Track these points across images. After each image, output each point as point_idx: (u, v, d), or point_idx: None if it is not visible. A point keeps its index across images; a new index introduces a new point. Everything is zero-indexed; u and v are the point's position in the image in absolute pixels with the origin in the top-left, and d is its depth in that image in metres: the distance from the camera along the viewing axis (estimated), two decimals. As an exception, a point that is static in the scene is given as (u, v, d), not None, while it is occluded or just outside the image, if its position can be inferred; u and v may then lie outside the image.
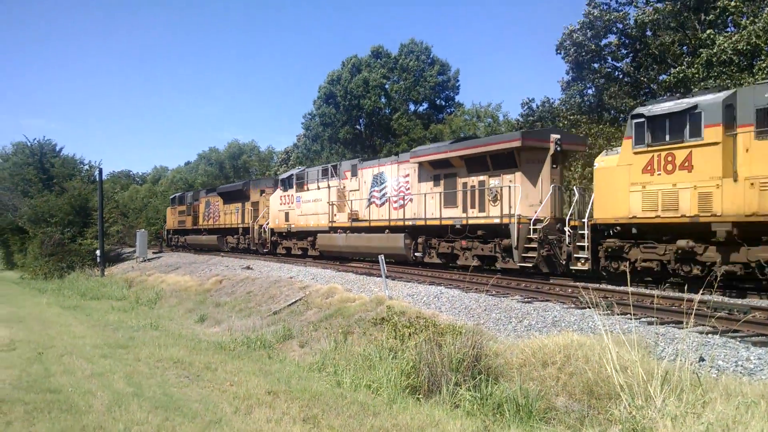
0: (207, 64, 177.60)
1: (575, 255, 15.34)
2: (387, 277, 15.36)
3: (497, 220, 17.01)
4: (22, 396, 7.96)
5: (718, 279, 12.07)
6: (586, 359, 7.78)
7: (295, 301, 16.29)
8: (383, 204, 22.08)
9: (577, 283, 13.70)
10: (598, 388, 7.29)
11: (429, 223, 19.59)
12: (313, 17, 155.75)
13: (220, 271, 24.90)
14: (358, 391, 8.76)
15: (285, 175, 29.44)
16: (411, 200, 20.75)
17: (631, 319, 10.10)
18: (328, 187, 24.98)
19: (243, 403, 7.89)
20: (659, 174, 13.28)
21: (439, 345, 8.97)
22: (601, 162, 14.89)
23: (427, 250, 20.00)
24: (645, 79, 27.14)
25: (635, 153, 13.73)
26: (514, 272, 16.55)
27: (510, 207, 16.74)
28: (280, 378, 9.47)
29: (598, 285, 13.60)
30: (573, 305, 11.54)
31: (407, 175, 20.96)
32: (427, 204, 19.91)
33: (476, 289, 14.36)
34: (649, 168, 13.49)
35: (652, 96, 26.99)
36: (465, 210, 18.46)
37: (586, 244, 14.88)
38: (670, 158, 13.09)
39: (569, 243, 15.62)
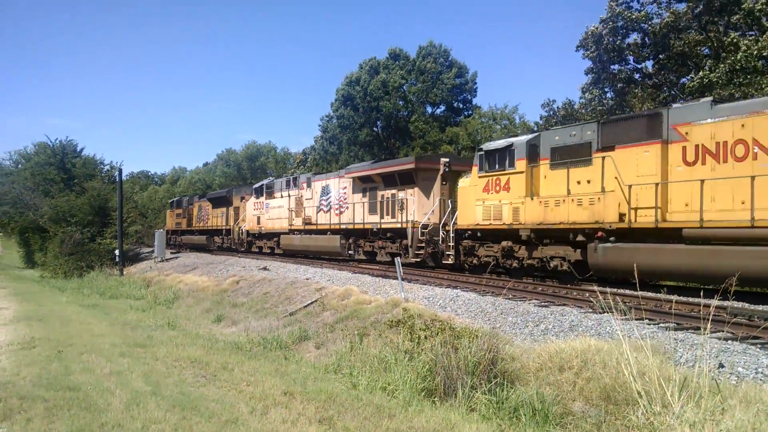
0: (226, 65, 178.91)
1: (446, 252, 19.69)
2: (403, 279, 15.36)
3: (399, 225, 21.95)
4: (42, 393, 8.06)
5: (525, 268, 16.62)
6: (604, 364, 7.72)
7: (311, 303, 16.34)
8: (328, 211, 26.99)
9: (594, 287, 13.58)
10: (615, 394, 7.23)
11: (357, 227, 24.55)
12: (331, 19, 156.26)
13: (237, 271, 25.04)
14: (374, 393, 8.77)
15: (258, 185, 34.44)
16: (347, 208, 25.52)
17: (649, 324, 10.03)
18: (289, 196, 30.12)
19: (259, 404, 7.93)
20: (492, 193, 17.93)
21: (455, 348, 8.94)
22: (462, 182, 19.44)
23: (357, 249, 24.87)
24: (667, 82, 26.88)
25: (479, 177, 18.31)
26: (418, 266, 20.59)
27: (409, 215, 21.48)
28: (296, 379, 9.50)
29: (616, 290, 13.49)
30: (590, 310, 11.46)
31: (345, 188, 25.80)
32: (356, 211, 24.83)
33: (492, 292, 14.32)
34: (486, 188, 18.11)
35: (674, 99, 26.73)
36: (382, 216, 23.31)
37: (451, 243, 19.42)
38: (497, 182, 17.77)
39: (442, 242, 20.14)
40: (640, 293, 11.17)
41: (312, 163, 53.64)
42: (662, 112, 13.75)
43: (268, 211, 32.17)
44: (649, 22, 26.23)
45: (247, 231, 34.78)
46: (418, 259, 20.93)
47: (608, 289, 13.43)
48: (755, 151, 11.91)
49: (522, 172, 16.91)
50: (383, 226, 22.95)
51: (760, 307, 10.90)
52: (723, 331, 8.71)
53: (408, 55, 48.13)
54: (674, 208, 13.31)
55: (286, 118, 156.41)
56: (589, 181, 15.10)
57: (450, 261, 19.46)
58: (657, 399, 6.07)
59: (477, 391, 8.18)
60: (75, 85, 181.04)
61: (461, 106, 48.91)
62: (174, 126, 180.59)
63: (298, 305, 16.63)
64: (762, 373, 7.27)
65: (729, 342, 8.50)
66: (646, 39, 26.83)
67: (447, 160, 21.47)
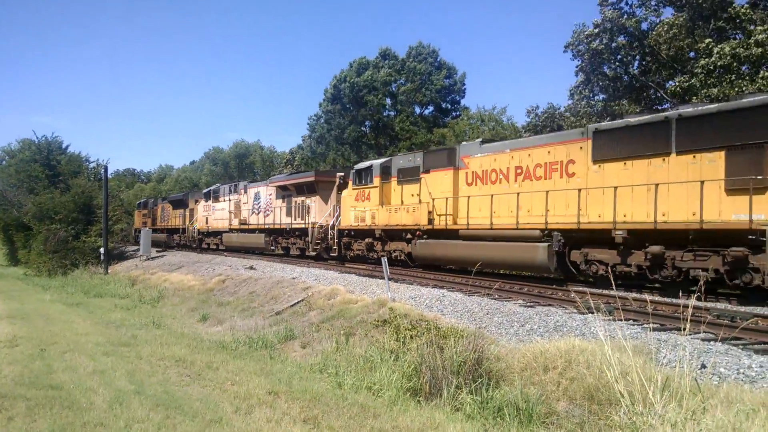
0: (214, 64, 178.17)
1: (333, 247, 25.42)
2: (390, 279, 15.37)
3: (304, 225, 27.29)
4: (24, 392, 7.99)
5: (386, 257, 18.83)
6: (588, 364, 7.77)
7: (298, 302, 16.31)
8: (258, 213, 32.15)
9: (582, 288, 13.68)
10: (599, 394, 7.28)
11: (277, 227, 29.92)
12: (321, 19, 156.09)
13: (223, 270, 24.94)
14: (359, 393, 8.77)
15: (206, 190, 39.85)
16: (271, 211, 30.75)
17: (633, 324, 10.11)
18: (230, 200, 35.23)
19: (244, 403, 7.91)
20: (360, 202, 23.26)
21: (441, 348, 8.95)
22: (344, 193, 24.88)
23: (276, 245, 30.40)
24: (653, 85, 27.09)
25: (353, 189, 23.80)
26: (315, 258, 24.02)
27: (311, 217, 26.86)
28: (281, 378, 9.48)
29: (600, 291, 13.58)
30: (575, 310, 11.52)
31: (270, 194, 30.85)
32: (277, 214, 30.08)
33: (479, 292, 14.36)
34: (357, 198, 23.50)
35: (659, 102, 26.95)
36: (294, 218, 28.47)
37: (336, 240, 25.10)
38: (363, 193, 23.12)
39: (330, 239, 25.48)
40: (616, 292, 11.26)
41: (299, 162, 53.53)
42: (456, 147, 19.54)
43: (214, 213, 37.47)
44: (638, 26, 26.43)
45: (198, 230, 39.72)
46: (315, 253, 26.58)
47: (593, 290, 13.53)
48: (500, 177, 17.67)
49: (377, 187, 22.35)
50: (294, 226, 28.44)
51: (743, 309, 11.03)
52: (705, 332, 8.81)
53: (397, 55, 48.19)
54: (460, 215, 18.80)
55: (275, 117, 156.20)
56: (413, 195, 20.69)
57: (334, 254, 25.68)
58: (639, 399, 6.11)
59: (462, 391, 8.20)
60: (61, 83, 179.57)
61: (449, 107, 49.03)
62: (161, 124, 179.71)
63: (284, 304, 16.58)
64: (743, 373, 7.35)
65: (711, 343, 8.59)
66: (633, 41, 27.04)
67: (342, 174, 26.87)
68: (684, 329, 7.09)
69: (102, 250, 33.83)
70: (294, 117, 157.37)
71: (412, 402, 8.34)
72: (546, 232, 15.81)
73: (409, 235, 20.56)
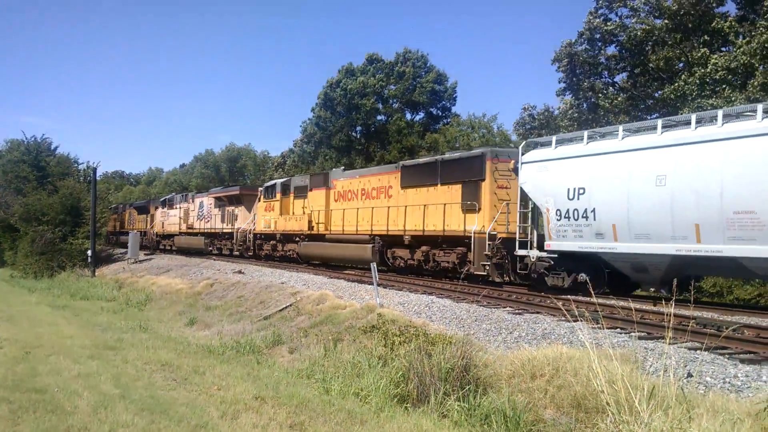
0: (204, 67, 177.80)
1: (251, 247, 30.70)
2: (379, 285, 15.35)
3: (232, 230, 33.27)
4: (7, 395, 7.90)
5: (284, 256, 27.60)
6: (575, 372, 7.79)
7: (286, 307, 16.26)
8: (201, 219, 37.71)
9: (569, 296, 13.71)
10: (585, 402, 7.29)
11: (213, 231, 35.91)
12: (311, 26, 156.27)
13: (211, 274, 24.84)
14: (346, 399, 8.74)
15: (163, 198, 45.67)
16: (210, 218, 36.31)
17: (620, 333, 10.15)
18: (181, 207, 40.59)
19: (230, 408, 7.86)
20: (267, 212, 29.25)
21: (429, 354, 8.94)
22: (257, 204, 30.73)
23: (213, 246, 35.83)
24: (642, 95, 27.29)
25: (263, 201, 29.80)
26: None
27: (237, 223, 32.78)
28: (268, 383, 9.43)
29: (588, 299, 13.60)
30: (563, 318, 11.54)
31: (210, 204, 36.49)
32: (214, 220, 35.79)
33: (467, 299, 14.37)
34: (265, 209, 29.48)
35: (648, 112, 27.14)
36: (226, 224, 34.25)
37: (253, 242, 30.70)
38: (269, 205, 29.19)
39: (248, 242, 31.07)
40: (603, 301, 11.30)
41: (291, 166, 53.43)
42: (329, 172, 26.25)
43: (169, 218, 42.56)
44: (625, 31, 26.59)
45: (157, 233, 44.94)
46: (238, 253, 32.35)
47: (580, 298, 13.57)
48: (352, 196, 23.43)
49: (278, 201, 28.38)
50: (225, 230, 34.49)
51: (729, 318, 11.10)
52: (692, 341, 8.84)
53: (385, 60, 48.21)
54: (328, 224, 24.65)
55: (266, 121, 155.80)
56: (303, 207, 26.51)
57: (251, 253, 30.69)
58: (626, 407, 6.13)
59: (450, 398, 8.19)
60: (51, 84, 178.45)
61: (440, 113, 49.11)
62: (151, 127, 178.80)
63: (272, 309, 16.53)
64: (729, 382, 7.39)
65: (697, 352, 8.62)
66: (623, 51, 27.24)
67: (262, 188, 31.07)
68: (668, 338, 7.12)
69: (89, 252, 33.60)
70: (285, 121, 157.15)
71: (400, 408, 8.31)
72: (372, 236, 21.58)
73: (297, 239, 26.52)
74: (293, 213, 27.18)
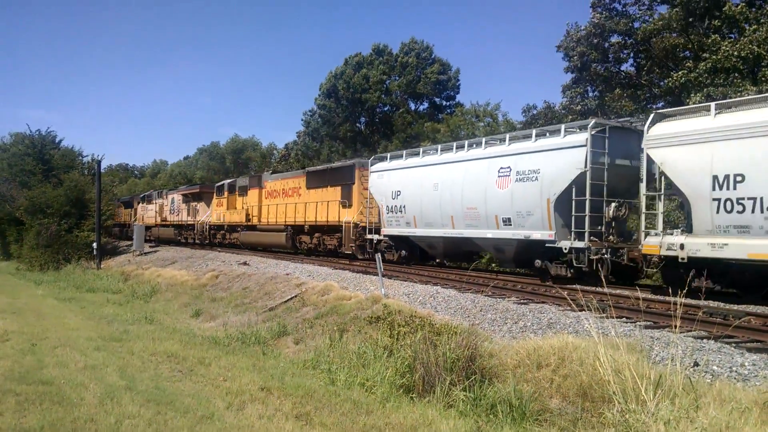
0: (209, 59, 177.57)
1: (207, 236, 36.80)
2: (383, 276, 15.34)
3: (194, 222, 38.90)
4: (14, 387, 7.93)
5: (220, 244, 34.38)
6: (581, 362, 7.76)
7: (291, 298, 16.26)
8: (172, 213, 42.98)
9: (575, 285, 13.68)
10: (592, 391, 7.27)
11: (181, 223, 41.14)
12: (315, 15, 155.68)
13: (216, 266, 24.87)
14: (352, 389, 8.74)
15: (142, 195, 51.22)
16: (180, 212, 41.44)
17: (626, 322, 10.11)
18: (156, 203, 46.04)
19: (236, 399, 7.87)
20: (219, 207, 35.09)
21: (434, 344, 8.93)
22: (213, 200, 36.46)
23: (181, 236, 40.66)
24: (646, 83, 27.09)
25: (216, 198, 35.78)
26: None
27: (199, 216, 38.32)
28: (273, 374, 9.44)
29: (594, 288, 13.58)
30: (569, 308, 11.50)
31: (180, 199, 41.53)
32: (182, 214, 41.02)
33: (472, 289, 14.35)
34: (217, 204, 35.39)
35: (654, 100, 26.94)
36: (190, 217, 39.79)
37: (208, 232, 36.79)
38: (221, 202, 34.97)
39: (205, 231, 37.14)
40: (607, 290, 11.26)
41: (294, 158, 53.39)
42: (262, 175, 32.63)
43: (147, 212, 47.85)
44: (632, 25, 26.40)
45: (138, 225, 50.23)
46: (199, 241, 37.84)
47: (586, 288, 13.53)
48: (277, 194, 29.59)
49: (226, 198, 34.47)
50: (189, 222, 39.95)
51: (735, 307, 11.05)
52: (698, 330, 8.80)
53: (391, 51, 48.09)
54: (260, 216, 31.08)
55: (269, 113, 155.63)
56: (243, 203, 32.55)
57: (207, 241, 36.79)
58: (632, 396, 6.11)
59: (455, 388, 8.17)
60: (55, 77, 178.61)
61: (444, 103, 48.98)
62: (155, 119, 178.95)
63: (277, 300, 16.54)
64: (736, 371, 7.35)
65: (704, 341, 8.59)
66: (627, 39, 27.01)
67: (225, 182, 36.20)
68: (676, 327, 7.08)
69: (95, 244, 33.68)
70: (289, 112, 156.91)
71: (405, 398, 8.31)
72: (286, 226, 28.14)
73: (239, 229, 32.84)
74: (236, 208, 33.52)
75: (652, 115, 13.56)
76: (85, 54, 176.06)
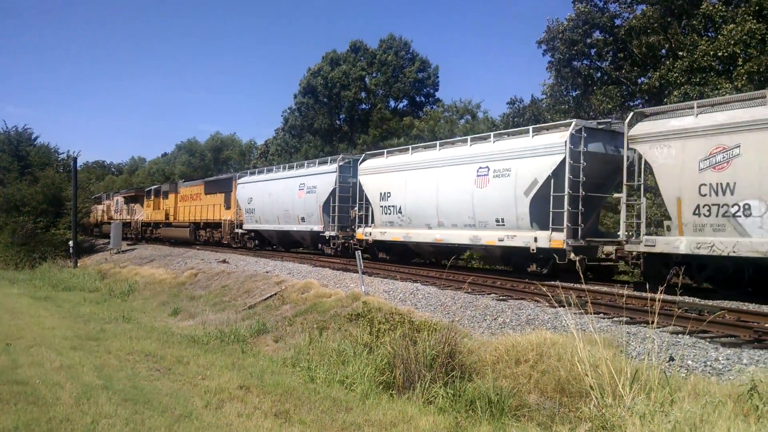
0: (186, 55, 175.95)
1: (140, 232, 43.32)
2: (364, 273, 15.34)
3: (131, 221, 45.36)
4: (-12, 387, 7.80)
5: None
6: (559, 357, 7.84)
7: (271, 296, 16.20)
8: (117, 212, 49.41)
9: (556, 282, 13.78)
10: (569, 386, 7.34)
11: (123, 221, 45.63)
12: (293, 11, 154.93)
13: (195, 264, 24.68)
14: (332, 387, 8.73)
15: (94, 197, 53.68)
16: (122, 212, 48.18)
17: (603, 318, 10.22)
18: (105, 203, 51.83)
19: (214, 398, 7.82)
20: (148, 208, 42.71)
21: (414, 341, 8.96)
22: (145, 201, 43.30)
23: (123, 233, 40.83)
24: (626, 81, 27.34)
25: (146, 200, 43.10)
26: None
27: (136, 216, 44.98)
28: (252, 372, 9.40)
29: (572, 285, 13.69)
30: (547, 304, 11.60)
31: (122, 201, 48.35)
32: (124, 213, 47.75)
33: (453, 286, 14.40)
34: (146, 206, 43.30)
35: (632, 98, 27.21)
36: (130, 216, 46.30)
37: (141, 228, 43.77)
38: (149, 203, 42.54)
39: (139, 228, 43.91)
40: (585, 286, 11.37)
41: (273, 154, 53.13)
42: (177, 183, 40.58)
43: (97, 212, 52.66)
44: (612, 22, 26.59)
45: (91, 222, 53.50)
46: (134, 236, 43.74)
47: (565, 284, 13.64)
48: (186, 198, 37.24)
49: (152, 200, 41.67)
50: (128, 220, 46.13)
51: (710, 302, 11.22)
52: (674, 325, 8.92)
53: (368, 48, 47.98)
54: (177, 215, 38.17)
55: (250, 110, 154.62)
56: (165, 205, 39.20)
57: (140, 236, 42.93)
58: (609, 391, 6.18)
59: (435, 384, 8.21)
60: (30, 73, 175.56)
61: (423, 100, 49.03)
62: (133, 116, 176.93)
63: (257, 298, 16.47)
64: (710, 366, 7.47)
65: (679, 336, 8.71)
66: (608, 36, 27.21)
67: (153, 188, 43.54)
68: (653, 322, 7.17)
69: (71, 243, 33.25)
70: (270, 109, 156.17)
71: (385, 395, 8.32)
72: (190, 224, 35.77)
73: (161, 225, 40.02)
74: (159, 209, 40.63)
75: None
76: (61, 49, 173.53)
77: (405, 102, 48.89)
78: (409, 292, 13.95)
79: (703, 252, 11.78)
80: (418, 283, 15.14)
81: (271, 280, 17.88)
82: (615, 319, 10.06)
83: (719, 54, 21.17)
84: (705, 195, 11.83)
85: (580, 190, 14.70)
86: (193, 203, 35.69)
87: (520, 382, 8.02)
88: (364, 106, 47.96)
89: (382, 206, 20.68)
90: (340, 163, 23.21)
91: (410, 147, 21.05)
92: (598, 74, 28.26)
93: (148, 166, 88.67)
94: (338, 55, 47.29)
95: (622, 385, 6.09)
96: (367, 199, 21.68)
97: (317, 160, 25.75)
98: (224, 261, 23.93)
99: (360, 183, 22.04)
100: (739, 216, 11.31)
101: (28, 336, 11.97)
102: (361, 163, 22.37)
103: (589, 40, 27.35)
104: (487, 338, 9.71)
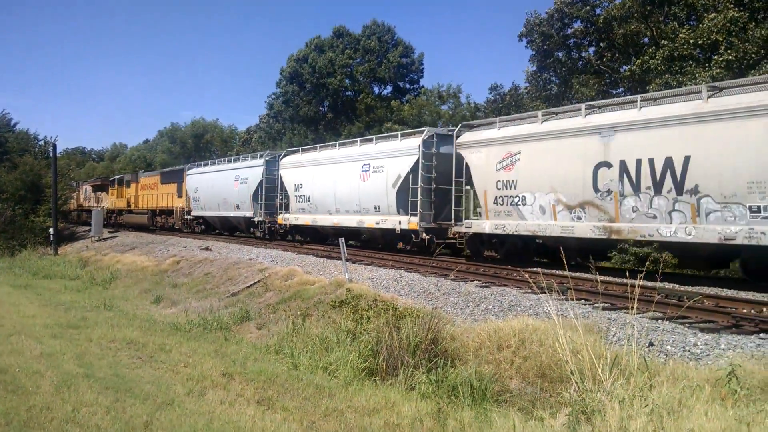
0: (167, 41, 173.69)
1: (106, 218, 43.37)
2: (348, 260, 15.33)
3: (99, 207, 44.66)
4: (-34, 376, 7.71)
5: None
6: (540, 343, 7.90)
7: (254, 283, 16.15)
8: (86, 200, 52.40)
9: (537, 269, 13.88)
10: (550, 372, 7.41)
11: (91, 208, 47.08)
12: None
13: (177, 251, 24.52)
14: (315, 374, 8.74)
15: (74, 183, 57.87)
16: (90, 200, 51.39)
17: (584, 304, 10.31)
18: (79, 192, 53.68)
19: (197, 385, 7.80)
20: (112, 196, 46.49)
21: (398, 328, 8.98)
22: (110, 189, 47.13)
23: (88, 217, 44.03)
24: (608, 69, 27.47)
25: (111, 189, 46.95)
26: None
27: (103, 203, 47.87)
28: (235, 360, 9.38)
29: (554, 271, 13.80)
30: (529, 290, 11.68)
31: (90, 190, 51.56)
32: (92, 201, 50.62)
33: (436, 273, 14.44)
34: (110, 194, 47.15)
35: (615, 85, 27.36)
36: (97, 204, 48.10)
37: (108, 215, 45.40)
38: (113, 192, 45.90)
39: (106, 214, 45.50)
40: (567, 273, 11.47)
41: (257, 141, 52.75)
42: (138, 173, 44.31)
43: (71, 199, 53.86)
44: (593, 13, 26.68)
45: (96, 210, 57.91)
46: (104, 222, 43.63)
47: (546, 270, 13.73)
48: (146, 187, 40.47)
49: (116, 189, 44.84)
50: (95, 208, 45.30)
51: (690, 288, 11.35)
52: (654, 311, 9.02)
53: (352, 33, 47.68)
54: (137, 203, 41.50)
55: (231, 96, 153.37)
56: (128, 194, 42.69)
57: (105, 223, 41.16)
58: (589, 376, 6.24)
59: (418, 371, 8.25)
60: (10, 60, 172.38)
61: (408, 86, 48.91)
62: (114, 103, 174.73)
63: (240, 286, 16.41)
64: (689, 351, 7.57)
65: (659, 321, 8.80)
66: (589, 26, 27.30)
67: (116, 177, 47.32)
68: (632, 308, 7.25)
69: (51, 230, 32.86)
70: (251, 95, 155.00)
71: (368, 382, 8.35)
72: (148, 210, 39.08)
73: (123, 212, 43.38)
74: (123, 197, 43.86)
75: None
76: (41, 36, 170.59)
77: (389, 88, 48.74)
78: (392, 279, 13.98)
79: (499, 231, 15.80)
80: (402, 270, 15.17)
81: (254, 267, 17.82)
82: (596, 305, 10.15)
83: (700, 42, 21.29)
84: (500, 189, 15.69)
85: (432, 184, 18.23)
86: (152, 192, 39.61)
87: (502, 367, 8.09)
88: (348, 93, 47.73)
89: (296, 196, 24.33)
90: (267, 158, 27.03)
91: (318, 146, 24.84)
92: (580, 63, 28.35)
93: (130, 152, 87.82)
94: (322, 41, 46.95)
95: (601, 370, 6.16)
96: (285, 190, 25.22)
97: (249, 155, 30.18)
98: (207, 248, 23.79)
99: (281, 175, 25.68)
100: (519, 205, 15.23)
101: (8, 324, 11.83)
102: (282, 158, 26.11)
103: (570, 30, 27.43)
104: (469, 324, 9.76)
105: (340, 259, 15.38)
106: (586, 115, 14.03)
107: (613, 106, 13.84)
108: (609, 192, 13.22)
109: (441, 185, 18.16)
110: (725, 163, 11.22)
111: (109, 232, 39.07)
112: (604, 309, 9.77)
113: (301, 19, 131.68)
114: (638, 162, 12.64)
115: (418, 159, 18.11)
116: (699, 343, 7.77)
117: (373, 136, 21.21)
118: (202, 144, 69.91)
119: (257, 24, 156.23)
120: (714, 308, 9.50)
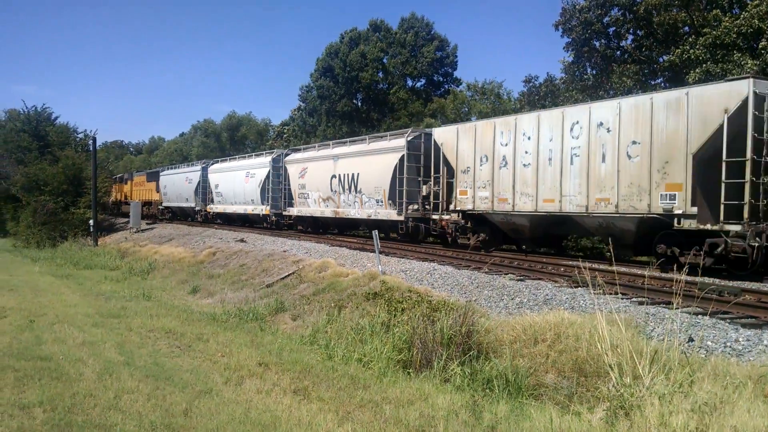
0: (203, 34, 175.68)
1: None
2: (380, 252, 15.37)
3: (116, 200, 56.48)
4: (13, 363, 7.96)
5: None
6: (576, 337, 7.81)
7: (288, 275, 16.30)
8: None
9: (571, 262, 13.72)
10: (587, 366, 7.32)
11: (133, 201, 47.46)
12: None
13: (213, 243, 24.88)
14: (350, 365, 8.79)
15: (120, 175, 63.07)
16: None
17: (622, 298, 10.16)
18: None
19: (234, 374, 7.92)
20: (116, 191, 55.38)
21: (432, 320, 8.98)
22: (116, 185, 55.80)
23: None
24: (646, 59, 26.86)
25: (117, 185, 55.27)
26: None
27: (127, 198, 54.94)
28: (271, 350, 9.49)
29: (591, 264, 13.62)
30: (565, 284, 11.57)
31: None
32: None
33: (470, 266, 14.38)
34: (116, 188, 55.30)
35: (653, 76, 26.76)
36: (107, 197, 50.36)
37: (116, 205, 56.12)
38: (117, 187, 55.69)
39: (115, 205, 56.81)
40: (604, 266, 11.29)
41: (290, 135, 53.08)
42: (133, 172, 57.90)
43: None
44: (633, 1, 26.10)
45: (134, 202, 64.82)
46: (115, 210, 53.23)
47: (584, 264, 13.55)
48: (137, 184, 52.45)
49: (119, 184, 55.26)
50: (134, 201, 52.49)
51: (731, 283, 11.10)
52: (694, 306, 8.85)
53: (389, 27, 47.55)
54: (129, 196, 53.17)
55: (265, 89, 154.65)
56: (123, 188, 54.99)
57: (116, 211, 51.54)
58: (628, 371, 6.15)
59: (452, 363, 8.23)
60: (47, 51, 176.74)
61: (441, 79, 48.63)
62: (151, 96, 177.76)
63: (275, 277, 16.58)
64: (730, 347, 7.41)
65: (699, 317, 8.63)
66: (627, 14, 26.70)
67: (118, 176, 56.70)
68: (674, 303, 7.10)
69: (91, 222, 33.63)
70: (285, 88, 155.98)
71: (402, 374, 8.37)
72: (142, 202, 45.10)
73: (122, 204, 50.92)
74: (122, 192, 53.91)
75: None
76: (80, 31, 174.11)
77: (423, 81, 48.52)
78: (425, 271, 13.96)
79: (302, 214, 27.63)
80: (435, 263, 15.14)
81: (288, 259, 17.98)
82: (634, 299, 9.99)
83: (742, 30, 20.68)
84: (300, 189, 27.29)
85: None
86: (140, 188, 50.45)
87: (537, 361, 8.02)
88: (381, 85, 47.66)
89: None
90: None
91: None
92: (618, 53, 27.77)
93: (167, 145, 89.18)
94: (358, 33, 46.91)
95: (641, 365, 6.07)
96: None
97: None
98: (242, 240, 24.08)
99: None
100: (308, 198, 26.55)
101: (51, 313, 12.16)
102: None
103: (607, 19, 26.86)
104: (504, 318, 9.70)
105: (373, 251, 15.42)
106: (333, 147, 25.44)
107: (339, 145, 25.28)
108: (335, 192, 24.28)
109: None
110: (371, 177, 22.01)
111: (147, 223, 39.82)
112: (640, 303, 9.61)
113: (336, 13, 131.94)
114: (345, 175, 23.62)
115: (269, 172, 29.44)
116: (741, 339, 7.59)
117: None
118: (237, 137, 70.62)
119: (295, 15, 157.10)
120: (756, 303, 9.27)
